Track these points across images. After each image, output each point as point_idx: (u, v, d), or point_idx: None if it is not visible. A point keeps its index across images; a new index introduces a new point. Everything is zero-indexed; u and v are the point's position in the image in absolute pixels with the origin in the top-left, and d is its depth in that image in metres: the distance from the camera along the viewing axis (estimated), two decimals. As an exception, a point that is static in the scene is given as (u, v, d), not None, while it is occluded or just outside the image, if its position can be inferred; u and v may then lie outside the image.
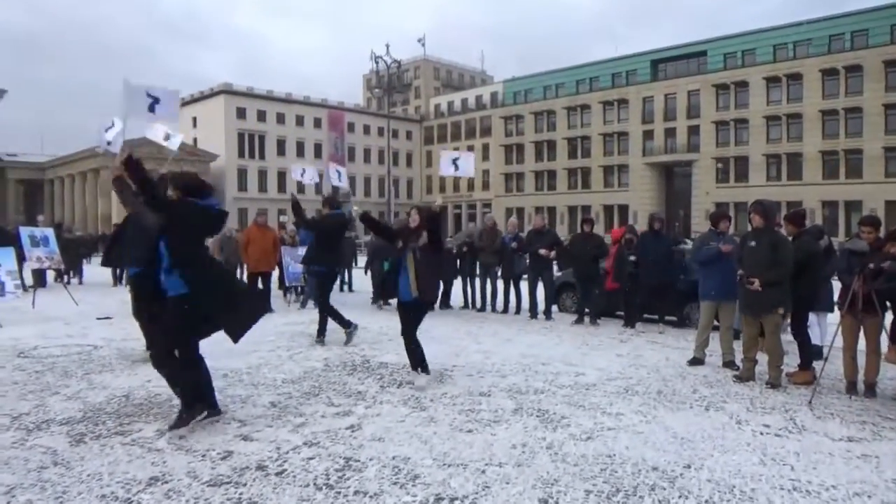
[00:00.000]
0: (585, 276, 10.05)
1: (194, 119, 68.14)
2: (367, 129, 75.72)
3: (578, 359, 7.22)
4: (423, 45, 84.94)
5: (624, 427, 4.62)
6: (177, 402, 4.78)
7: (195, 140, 66.51)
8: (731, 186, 53.56)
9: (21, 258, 13.45)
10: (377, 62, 42.86)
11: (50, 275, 15.41)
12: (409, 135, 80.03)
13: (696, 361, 6.97)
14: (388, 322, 9.76)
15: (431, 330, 8.43)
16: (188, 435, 4.33)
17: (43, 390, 5.61)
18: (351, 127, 74.47)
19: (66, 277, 17.72)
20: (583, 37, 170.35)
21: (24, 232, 13.07)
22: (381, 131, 70.86)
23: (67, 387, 5.74)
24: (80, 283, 17.67)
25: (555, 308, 11.48)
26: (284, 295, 13.07)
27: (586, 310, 10.12)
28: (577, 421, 4.76)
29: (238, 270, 14.04)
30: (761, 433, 4.56)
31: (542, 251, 10.44)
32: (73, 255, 17.27)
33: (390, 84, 45.25)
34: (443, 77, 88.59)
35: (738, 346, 7.15)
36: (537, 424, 4.65)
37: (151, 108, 4.91)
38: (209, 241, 17.85)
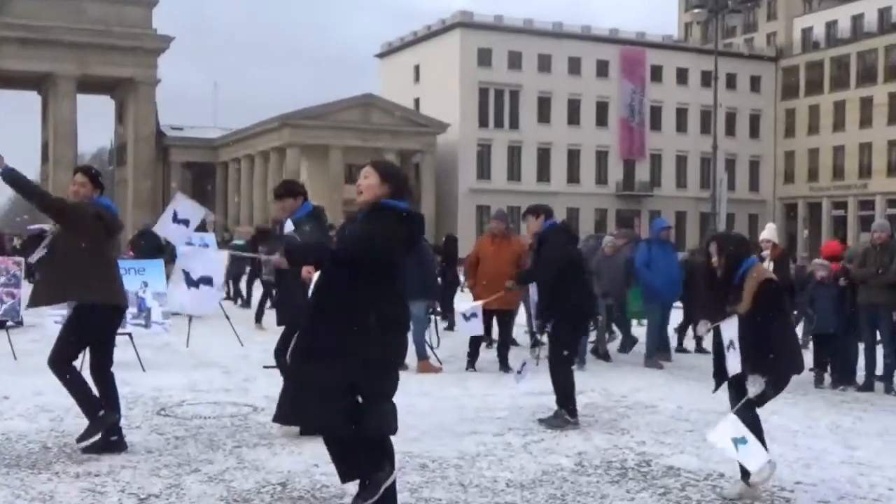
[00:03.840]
0: None
1: (416, 69, 73.46)
2: (681, 76, 75.24)
3: None
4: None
5: None
6: (349, 495, 5.24)
7: (416, 102, 71.62)
8: None
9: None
10: (701, -35, 42.43)
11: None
12: (754, 83, 77.77)
13: None
14: (688, 397, 9.57)
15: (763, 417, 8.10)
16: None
17: (181, 465, 6.53)
18: (656, 73, 74.60)
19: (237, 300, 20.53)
20: None
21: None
22: (705, 78, 69.59)
23: (211, 463, 6.60)
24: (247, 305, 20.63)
25: None
26: (533, 345, 13.47)
27: None
28: None
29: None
30: None
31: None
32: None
33: (722, -1, 44.25)
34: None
35: None
36: None
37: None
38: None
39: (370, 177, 4.96)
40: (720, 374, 6.12)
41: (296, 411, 4.93)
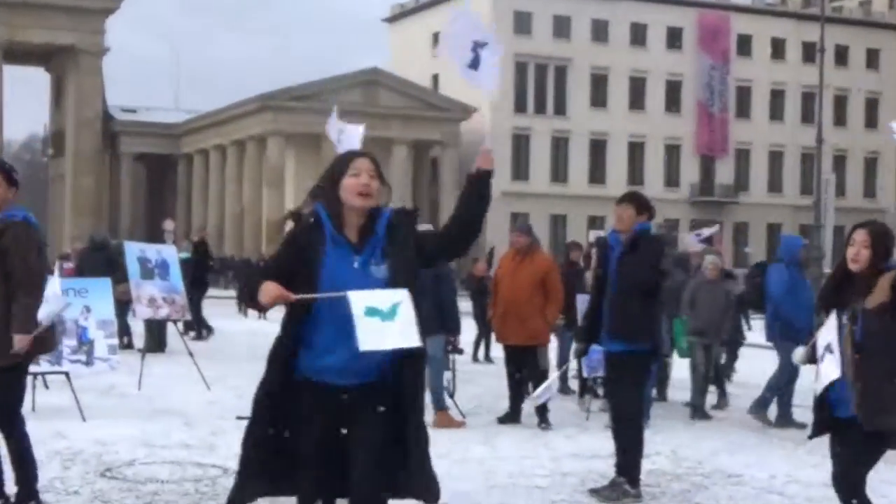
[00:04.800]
0: None
1: (434, 38, 73.41)
2: (778, 49, 75.16)
3: None
4: None
5: None
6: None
7: (434, 79, 71.60)
8: None
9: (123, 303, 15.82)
10: None
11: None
12: (871, 57, 77.60)
13: None
14: (784, 464, 9.50)
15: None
16: None
17: (130, 543, 6.55)
18: (743, 45, 74.57)
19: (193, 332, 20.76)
20: None
21: (132, 252, 15.30)
22: (807, 52, 69.44)
23: (169, 542, 6.62)
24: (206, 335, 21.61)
25: None
26: (581, 394, 13.44)
27: None
28: None
29: None
30: None
31: None
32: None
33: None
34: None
35: None
36: None
37: (474, 64, 5.71)
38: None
39: (376, 178, 4.97)
40: (820, 414, 5.98)
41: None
